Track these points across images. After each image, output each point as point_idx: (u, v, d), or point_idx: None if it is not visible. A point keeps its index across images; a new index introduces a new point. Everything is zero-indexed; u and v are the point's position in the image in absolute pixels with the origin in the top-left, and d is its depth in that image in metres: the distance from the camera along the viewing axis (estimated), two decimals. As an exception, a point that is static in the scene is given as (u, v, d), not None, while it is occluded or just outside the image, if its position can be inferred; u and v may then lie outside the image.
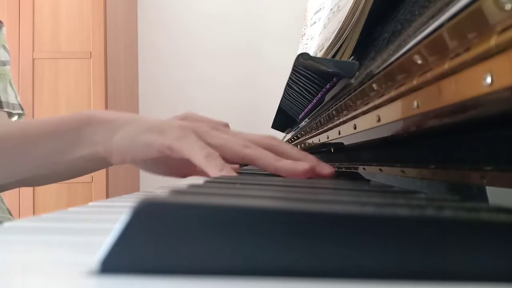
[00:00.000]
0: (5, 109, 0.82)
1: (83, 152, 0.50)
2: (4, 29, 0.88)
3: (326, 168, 0.47)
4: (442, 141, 0.33)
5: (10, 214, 0.85)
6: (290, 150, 0.49)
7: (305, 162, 0.46)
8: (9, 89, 0.84)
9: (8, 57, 0.88)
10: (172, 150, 0.47)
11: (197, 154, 0.45)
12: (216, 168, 0.44)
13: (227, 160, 0.47)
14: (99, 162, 0.54)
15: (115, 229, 0.15)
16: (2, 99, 0.82)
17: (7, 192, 0.81)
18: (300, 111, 0.82)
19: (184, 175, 0.56)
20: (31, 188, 2.17)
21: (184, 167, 0.54)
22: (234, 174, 0.45)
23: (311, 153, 0.91)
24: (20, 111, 0.85)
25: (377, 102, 0.36)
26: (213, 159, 0.45)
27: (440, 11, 0.25)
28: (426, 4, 0.33)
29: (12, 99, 0.84)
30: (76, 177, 0.64)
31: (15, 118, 0.84)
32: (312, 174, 0.46)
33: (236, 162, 0.50)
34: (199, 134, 0.47)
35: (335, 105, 0.51)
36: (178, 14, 2.71)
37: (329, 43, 0.56)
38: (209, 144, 0.46)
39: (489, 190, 0.26)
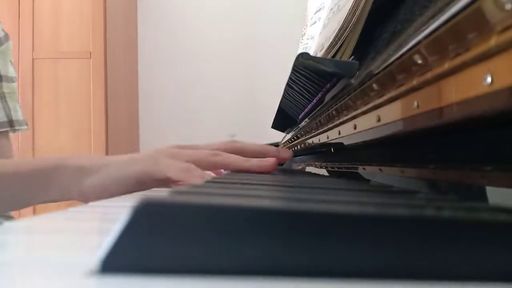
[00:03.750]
0: (16, 127, 0.83)
1: (55, 196, 0.52)
2: (10, 42, 0.89)
3: (285, 153, 0.56)
4: (442, 141, 0.33)
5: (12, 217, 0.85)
6: (252, 147, 0.55)
7: (270, 158, 0.54)
8: (17, 106, 0.86)
9: (15, 73, 0.89)
10: (148, 175, 0.50)
11: (175, 171, 0.49)
12: (198, 178, 0.48)
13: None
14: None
15: (115, 229, 0.15)
16: (13, 118, 0.83)
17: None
18: (300, 111, 0.82)
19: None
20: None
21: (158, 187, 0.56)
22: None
23: (311, 153, 0.91)
24: (25, 127, 0.86)
25: (377, 102, 0.36)
26: (192, 171, 0.49)
27: (440, 11, 0.25)
28: (426, 4, 0.33)
29: (20, 116, 0.86)
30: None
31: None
32: (277, 163, 0.54)
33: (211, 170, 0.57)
34: (169, 155, 0.51)
35: (335, 105, 0.51)
36: (178, 14, 2.71)
37: (329, 43, 0.56)
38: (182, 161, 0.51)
39: (489, 190, 0.26)
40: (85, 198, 0.51)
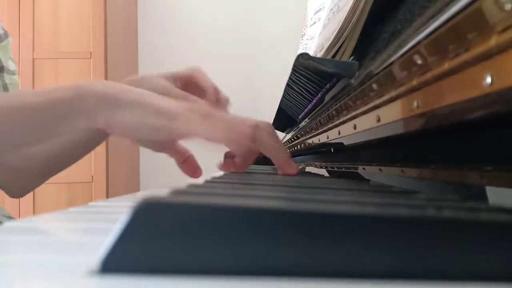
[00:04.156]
0: None
1: (81, 123, 0.49)
2: (10, 39, 0.89)
3: (292, 171, 0.54)
4: (442, 141, 0.33)
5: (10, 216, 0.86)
6: (274, 148, 0.52)
7: (295, 166, 0.53)
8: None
9: (15, 67, 0.89)
10: (180, 136, 0.48)
11: (219, 135, 0.47)
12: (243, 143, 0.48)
13: None
14: (99, 136, 0.57)
15: (115, 229, 0.15)
16: None
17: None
18: (300, 111, 0.82)
19: (161, 151, 0.58)
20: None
21: (169, 144, 0.57)
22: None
23: (311, 153, 0.91)
24: None
25: (377, 102, 0.36)
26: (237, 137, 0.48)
27: (440, 11, 0.25)
28: (426, 4, 0.33)
29: None
30: (77, 156, 0.71)
31: None
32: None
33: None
34: (204, 117, 0.48)
35: (335, 105, 0.51)
36: (178, 14, 2.71)
37: (329, 43, 0.56)
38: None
39: (489, 190, 0.26)
40: (112, 130, 0.49)
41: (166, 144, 0.57)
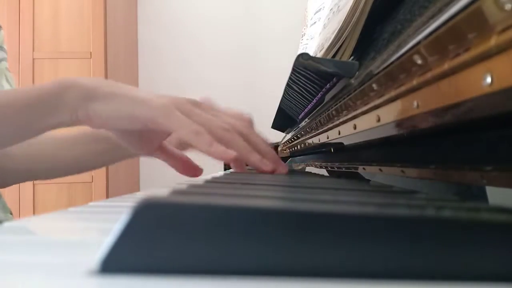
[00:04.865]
0: None
1: (64, 117, 0.50)
2: (2, 31, 0.89)
3: (282, 170, 0.54)
4: (442, 141, 0.33)
5: (11, 213, 0.86)
6: (261, 143, 0.54)
7: (270, 164, 0.53)
8: (4, 83, 0.86)
9: (5, 55, 0.89)
10: (157, 124, 0.49)
11: (185, 131, 0.48)
12: (205, 144, 0.47)
13: None
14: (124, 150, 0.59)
15: (115, 229, 0.15)
16: None
17: (7, 191, 0.82)
18: (300, 111, 0.82)
19: (150, 153, 0.57)
20: (31, 188, 2.17)
21: (154, 144, 0.56)
22: (224, 151, 0.47)
23: (311, 153, 0.91)
24: None
25: (377, 102, 0.36)
26: (202, 136, 0.48)
27: (440, 11, 0.25)
28: (426, 4, 0.33)
29: None
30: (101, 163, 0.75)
31: None
32: (271, 173, 0.53)
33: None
34: (182, 111, 0.49)
35: (335, 105, 0.51)
36: (178, 14, 2.71)
37: (329, 43, 0.56)
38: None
39: (489, 190, 0.26)
40: (90, 122, 0.50)
41: (152, 143, 0.56)
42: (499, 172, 0.25)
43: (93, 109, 0.49)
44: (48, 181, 0.79)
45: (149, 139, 0.55)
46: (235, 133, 0.51)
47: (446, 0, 0.25)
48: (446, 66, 0.24)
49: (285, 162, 1.27)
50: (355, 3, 0.53)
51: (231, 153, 0.48)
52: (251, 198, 0.23)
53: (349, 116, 0.45)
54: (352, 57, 0.54)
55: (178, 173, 0.60)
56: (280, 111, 0.96)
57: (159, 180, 2.45)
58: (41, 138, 0.60)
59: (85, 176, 2.18)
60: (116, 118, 0.49)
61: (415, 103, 0.29)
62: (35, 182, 2.14)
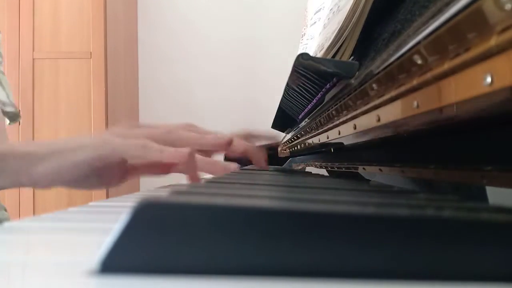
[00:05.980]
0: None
1: (4, 183, 0.51)
2: (0, 35, 0.90)
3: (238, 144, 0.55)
4: (442, 141, 0.33)
5: (5, 210, 0.86)
6: (207, 132, 0.54)
7: (226, 137, 0.53)
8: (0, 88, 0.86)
9: (1, 59, 0.89)
10: (103, 159, 0.49)
11: (130, 150, 0.47)
12: (156, 152, 0.47)
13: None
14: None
15: (115, 229, 0.15)
16: None
17: (7, 192, 0.82)
18: (300, 111, 0.82)
19: (120, 182, 0.56)
20: (31, 188, 2.17)
21: (118, 173, 0.55)
22: (175, 150, 0.47)
23: (311, 153, 0.91)
24: (12, 109, 0.86)
25: (377, 102, 0.36)
26: (149, 147, 0.47)
27: (440, 11, 0.25)
28: (426, 4, 0.33)
29: (2, 97, 0.86)
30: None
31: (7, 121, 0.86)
32: (230, 143, 0.53)
33: None
34: (121, 136, 0.49)
35: (335, 105, 0.51)
36: (178, 14, 2.71)
37: (329, 43, 0.56)
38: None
39: (489, 190, 0.26)
40: (36, 184, 0.51)
41: (114, 173, 0.55)
42: (499, 172, 0.25)
43: (36, 172, 0.49)
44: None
45: (109, 171, 0.54)
46: (179, 131, 0.51)
47: (446, 0, 0.25)
48: (446, 66, 0.24)
49: (285, 162, 1.26)
50: (355, 3, 0.53)
51: (184, 150, 0.47)
52: (251, 198, 0.23)
53: (349, 116, 0.45)
54: (352, 57, 0.54)
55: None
56: (280, 111, 0.96)
57: (159, 180, 2.45)
58: None
59: (85, 176, 2.18)
60: (63, 172, 0.49)
61: (415, 103, 0.29)
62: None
